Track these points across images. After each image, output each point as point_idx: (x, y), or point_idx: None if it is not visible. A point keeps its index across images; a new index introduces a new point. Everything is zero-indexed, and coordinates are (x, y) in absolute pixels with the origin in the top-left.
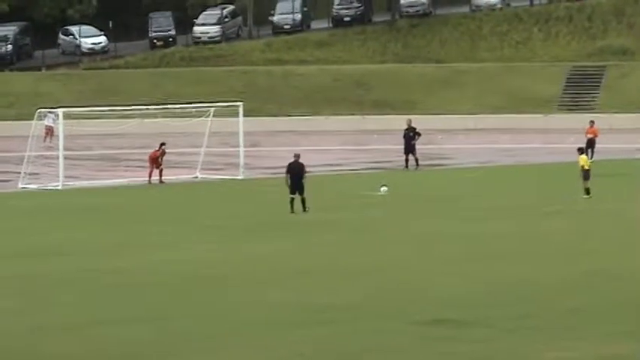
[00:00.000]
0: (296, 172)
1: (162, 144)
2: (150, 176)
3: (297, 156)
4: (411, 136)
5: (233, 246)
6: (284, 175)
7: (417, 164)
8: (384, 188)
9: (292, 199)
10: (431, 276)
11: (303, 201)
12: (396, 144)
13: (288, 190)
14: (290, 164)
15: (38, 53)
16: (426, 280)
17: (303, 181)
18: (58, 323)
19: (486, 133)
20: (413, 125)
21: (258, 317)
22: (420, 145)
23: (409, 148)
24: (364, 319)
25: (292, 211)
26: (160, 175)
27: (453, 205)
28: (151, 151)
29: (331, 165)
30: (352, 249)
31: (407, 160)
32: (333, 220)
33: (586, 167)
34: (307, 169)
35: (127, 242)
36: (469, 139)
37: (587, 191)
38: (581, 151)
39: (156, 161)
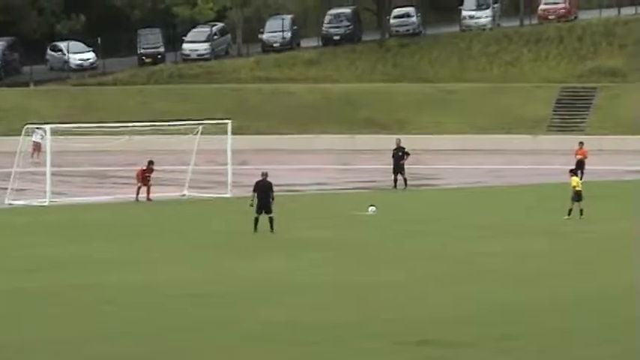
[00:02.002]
0: (264, 191)
1: (151, 162)
2: (137, 193)
3: (264, 174)
4: (400, 155)
5: (222, 264)
6: (251, 193)
7: (406, 184)
8: (372, 208)
9: (257, 219)
10: (418, 296)
11: (270, 220)
12: (385, 163)
13: (254, 210)
14: (258, 182)
15: (26, 69)
16: (414, 300)
17: (271, 200)
18: (46, 338)
19: (475, 153)
20: (402, 145)
21: (246, 335)
22: (408, 165)
23: (398, 168)
24: (350, 338)
25: (256, 231)
26: (148, 193)
27: (441, 225)
28: (138, 168)
29: (320, 184)
30: (340, 268)
31: (395, 180)
32: (322, 239)
33: (578, 188)
34: (279, 189)
35: (114, 259)
36: (458, 159)
37: (581, 212)
38: (573, 172)
39: (144, 179)
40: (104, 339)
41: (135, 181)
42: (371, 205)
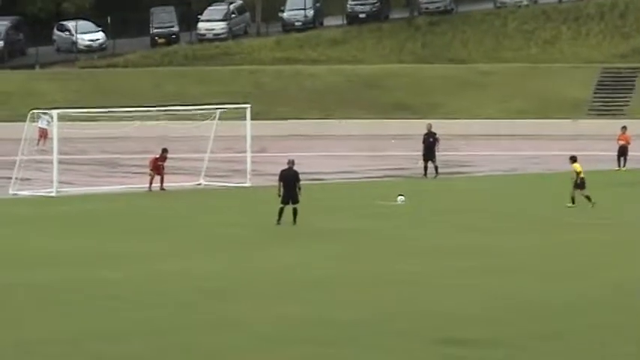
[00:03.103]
0: (290, 181)
1: (164, 149)
2: (150, 183)
3: (290, 162)
4: (431, 141)
5: (237, 257)
6: (276, 183)
7: (437, 172)
8: (400, 198)
9: (282, 209)
10: (445, 291)
11: (294, 212)
12: (415, 150)
13: (279, 200)
14: (283, 172)
15: (31, 50)
16: (440, 296)
17: (298, 190)
18: (47, 337)
19: (511, 138)
20: (433, 130)
21: (260, 332)
22: (440, 152)
23: (429, 155)
24: (371, 336)
25: (279, 222)
26: (162, 182)
27: (472, 216)
28: (151, 156)
29: (344, 172)
30: (363, 261)
31: (426, 168)
32: (345, 231)
33: (581, 175)
34: (302, 177)
35: (123, 252)
36: (492, 145)
37: (589, 199)
38: (573, 159)
39: (157, 167)
40: (111, 337)
41: (148, 170)
42: (399, 195)
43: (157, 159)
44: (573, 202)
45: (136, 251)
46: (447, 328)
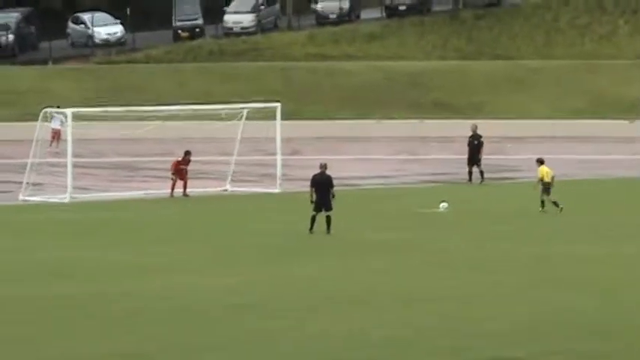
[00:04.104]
0: (322, 186)
1: (187, 152)
2: (172, 188)
3: (323, 166)
4: (475, 144)
5: (266, 269)
6: (309, 189)
7: (482, 177)
8: (443, 204)
9: (314, 217)
10: (491, 305)
11: (328, 220)
12: (459, 153)
13: (312, 207)
14: (315, 176)
15: (44, 44)
16: (487, 310)
17: (331, 196)
18: (74, 355)
19: (563, 141)
20: (478, 132)
21: (295, 351)
22: (485, 156)
23: (473, 159)
24: (412, 356)
25: (312, 231)
26: (185, 188)
27: (521, 225)
28: (174, 159)
29: (382, 177)
30: (403, 274)
31: (470, 173)
32: (384, 241)
33: (546, 179)
34: (335, 182)
35: (142, 263)
36: (543, 148)
37: (556, 204)
38: (540, 162)
39: (179, 171)
40: (133, 356)
41: (169, 175)
42: (442, 202)
43: (179, 162)
44: (557, 206)
45: (159, 262)
46: (493, 346)
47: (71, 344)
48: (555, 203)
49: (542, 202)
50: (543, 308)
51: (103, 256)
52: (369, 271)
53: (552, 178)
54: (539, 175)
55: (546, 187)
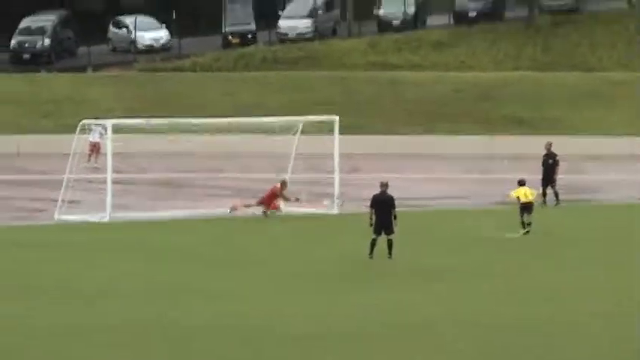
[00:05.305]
0: (383, 207)
1: (284, 182)
2: (267, 208)
3: (384, 186)
4: (550, 163)
5: (326, 298)
6: (368, 209)
7: (557, 199)
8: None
9: (374, 241)
10: (569, 338)
11: (389, 244)
12: (532, 173)
13: (372, 230)
14: (376, 196)
15: (83, 50)
16: (563, 343)
17: (393, 218)
18: None
19: None
20: (553, 150)
21: None
22: (561, 175)
23: (548, 179)
24: None
25: (371, 256)
26: (268, 209)
27: (601, 251)
28: (271, 186)
29: (449, 197)
30: (474, 302)
31: (545, 194)
32: (451, 267)
33: (523, 200)
34: (398, 203)
35: (186, 287)
36: (625, 167)
37: (524, 225)
38: (521, 183)
39: (273, 198)
40: None
41: (262, 198)
42: (528, 224)
43: (275, 190)
44: (523, 227)
45: (208, 288)
46: None
47: None
48: (523, 224)
49: (522, 223)
50: (630, 342)
51: (143, 277)
52: (436, 299)
53: (532, 196)
54: (515, 196)
55: (526, 207)
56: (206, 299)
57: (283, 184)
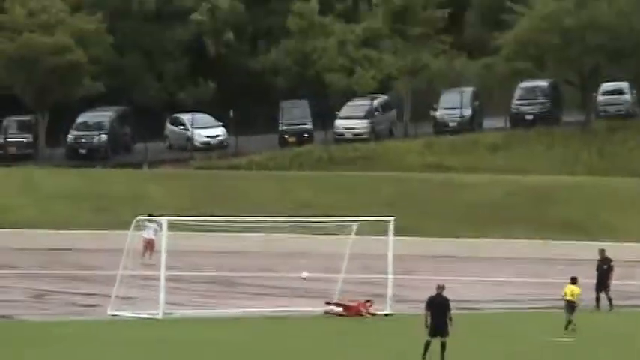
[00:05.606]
0: (439, 309)
1: (369, 301)
2: (357, 313)
3: (440, 288)
4: (605, 268)
5: None
6: (423, 311)
7: (611, 304)
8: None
9: (428, 343)
10: None
11: (443, 346)
12: (587, 277)
13: (426, 331)
14: (431, 298)
15: (140, 146)
16: None
17: (448, 320)
18: None
19: None
20: (608, 256)
21: None
22: (615, 281)
23: (602, 284)
24: None
25: (424, 358)
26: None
27: None
28: (357, 301)
29: (504, 300)
30: None
31: (598, 299)
32: None
33: (568, 298)
34: (452, 305)
35: None
36: None
37: (566, 326)
38: (573, 280)
39: (356, 311)
40: None
41: (347, 305)
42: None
43: (361, 305)
44: (566, 328)
45: None
46: None
47: None
48: (567, 324)
49: (568, 321)
50: None
51: None
52: None
53: (577, 296)
54: (562, 293)
55: (570, 305)
56: None
57: (370, 302)
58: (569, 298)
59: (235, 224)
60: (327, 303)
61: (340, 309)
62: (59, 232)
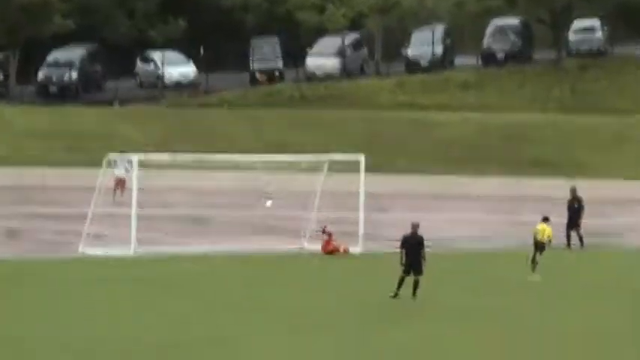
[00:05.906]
0: (413, 248)
1: (326, 231)
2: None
3: (415, 226)
4: (576, 207)
5: (349, 339)
6: (398, 249)
7: (582, 243)
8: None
9: (402, 279)
10: None
11: (415, 284)
12: (557, 216)
13: (401, 269)
14: (406, 237)
15: (110, 84)
16: None
17: (422, 259)
18: None
19: None
20: (579, 194)
21: None
22: (586, 219)
23: (573, 223)
24: None
25: (396, 295)
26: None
27: (623, 297)
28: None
29: (475, 238)
30: (496, 344)
31: (569, 237)
32: (475, 308)
33: (539, 238)
34: (428, 244)
35: (215, 335)
36: None
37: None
38: (545, 219)
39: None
40: None
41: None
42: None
43: (328, 244)
44: (533, 270)
45: (234, 334)
46: None
47: None
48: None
49: (533, 261)
50: None
51: (174, 318)
52: (462, 341)
53: (548, 238)
54: (533, 232)
55: (539, 246)
56: (238, 343)
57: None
58: (539, 238)
59: (206, 162)
60: (323, 231)
61: (327, 237)
62: (30, 169)
